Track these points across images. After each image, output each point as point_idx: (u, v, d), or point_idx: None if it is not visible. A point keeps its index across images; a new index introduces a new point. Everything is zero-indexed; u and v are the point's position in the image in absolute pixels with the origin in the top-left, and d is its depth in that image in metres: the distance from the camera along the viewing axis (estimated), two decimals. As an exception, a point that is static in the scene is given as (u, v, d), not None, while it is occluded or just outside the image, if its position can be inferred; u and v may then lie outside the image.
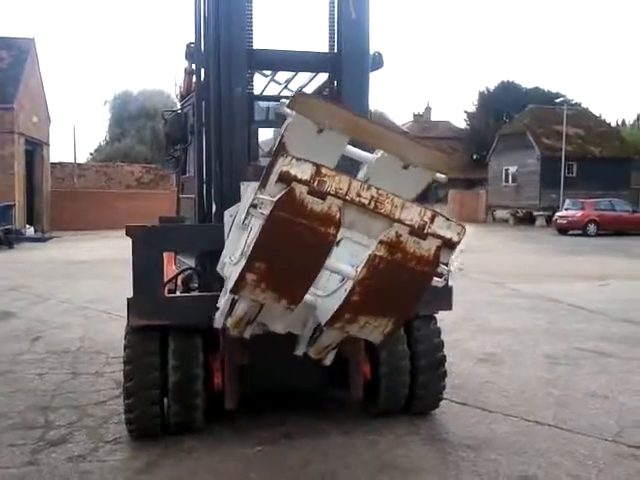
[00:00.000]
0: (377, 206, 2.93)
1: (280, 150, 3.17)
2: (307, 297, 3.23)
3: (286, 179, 2.80)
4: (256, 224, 3.02)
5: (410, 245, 2.93)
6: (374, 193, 2.93)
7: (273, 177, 2.86)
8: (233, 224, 3.72)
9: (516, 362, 6.52)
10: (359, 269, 2.98)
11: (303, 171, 2.83)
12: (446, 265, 3.05)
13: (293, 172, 2.81)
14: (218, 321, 3.71)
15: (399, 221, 2.93)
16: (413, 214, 2.94)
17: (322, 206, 2.86)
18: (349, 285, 3.02)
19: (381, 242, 2.92)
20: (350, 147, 3.62)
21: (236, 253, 3.35)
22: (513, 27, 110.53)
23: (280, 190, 2.83)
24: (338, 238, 3.00)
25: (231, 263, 3.43)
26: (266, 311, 3.40)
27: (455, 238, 2.98)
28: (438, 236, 2.95)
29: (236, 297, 3.32)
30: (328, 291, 3.30)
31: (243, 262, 3.03)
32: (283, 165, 2.82)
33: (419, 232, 2.93)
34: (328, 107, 3.44)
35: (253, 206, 2.91)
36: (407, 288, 3.06)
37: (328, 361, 3.69)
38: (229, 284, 3.29)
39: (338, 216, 2.89)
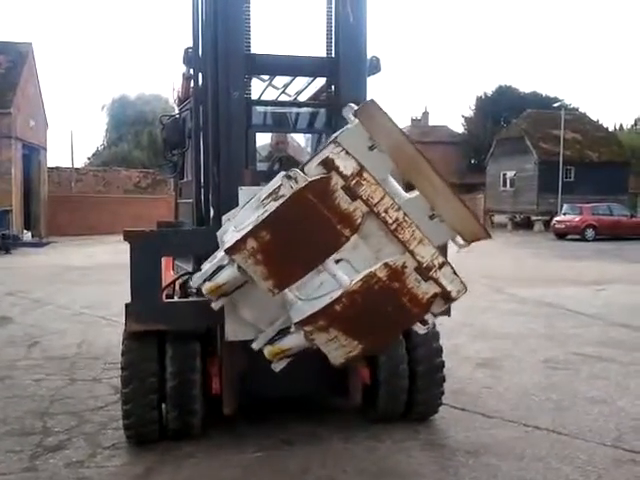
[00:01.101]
0: (397, 230, 2.95)
1: (335, 140, 3.09)
2: (289, 294, 3.20)
3: (328, 166, 2.83)
4: (274, 205, 3.02)
5: (411, 280, 2.94)
6: (400, 217, 2.95)
7: (317, 159, 2.89)
8: (248, 202, 3.58)
9: (515, 367, 6.52)
10: (354, 281, 2.98)
11: (346, 166, 2.87)
12: (434, 316, 3.04)
13: (337, 162, 2.84)
14: (195, 281, 3.56)
15: (411, 253, 2.94)
16: (427, 253, 2.96)
17: (349, 206, 2.89)
18: (336, 294, 3.02)
19: (386, 265, 2.92)
20: (391, 177, 3.46)
21: (244, 223, 3.26)
22: (511, 32, 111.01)
23: (318, 173, 2.86)
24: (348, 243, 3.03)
25: (235, 230, 3.37)
26: (245, 291, 3.37)
27: (454, 294, 3.00)
28: (440, 284, 2.96)
29: (225, 262, 3.26)
30: (310, 297, 3.26)
31: (250, 228, 3.01)
32: (331, 152, 2.85)
33: (424, 272, 2.94)
34: (391, 127, 3.25)
35: (287, 177, 2.91)
36: (389, 320, 3.04)
37: (278, 367, 3.56)
38: (225, 246, 3.23)
39: (359, 222, 2.91)
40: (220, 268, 3.34)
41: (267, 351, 3.52)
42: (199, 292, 4.44)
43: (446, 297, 2.99)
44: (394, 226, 2.95)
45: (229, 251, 3.10)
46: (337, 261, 3.13)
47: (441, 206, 3.26)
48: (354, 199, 2.90)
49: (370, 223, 2.96)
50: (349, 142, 3.09)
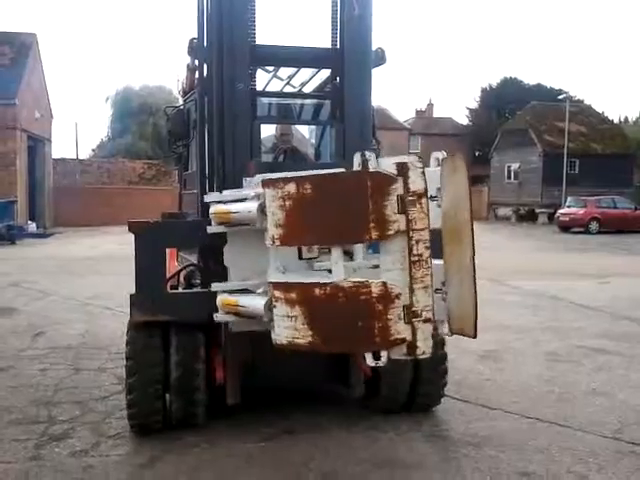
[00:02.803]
0: (415, 264, 2.96)
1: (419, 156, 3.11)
2: (276, 260, 3.33)
3: (401, 170, 2.91)
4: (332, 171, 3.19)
5: (394, 313, 2.94)
6: (425, 256, 2.96)
7: (397, 158, 2.95)
8: None
9: (517, 359, 6.53)
10: (346, 280, 2.99)
11: (415, 182, 2.93)
12: (388, 358, 3.00)
13: (410, 173, 2.92)
14: (210, 198, 3.76)
15: (412, 291, 2.95)
16: (423, 301, 2.96)
17: (392, 214, 2.91)
18: (325, 280, 3.07)
19: (384, 284, 2.94)
20: None
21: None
22: (516, 23, 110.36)
23: (394, 169, 2.91)
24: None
25: None
26: (239, 240, 3.55)
27: (419, 351, 2.98)
28: (414, 334, 2.95)
29: (250, 195, 3.40)
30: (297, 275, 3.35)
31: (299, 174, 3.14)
32: (411, 162, 2.92)
33: (410, 314, 2.94)
34: (463, 188, 3.19)
35: (362, 155, 2.97)
36: (351, 333, 3.03)
37: (218, 318, 3.76)
38: (264, 177, 3.33)
39: (390, 233, 2.92)
40: (240, 200, 3.44)
41: (221, 298, 3.65)
42: (202, 283, 4.48)
43: (410, 350, 2.96)
44: (415, 259, 2.95)
45: (266, 183, 3.15)
46: (346, 252, 3.15)
47: (454, 286, 3.19)
48: (400, 212, 2.91)
49: (397, 241, 2.96)
50: (429, 177, 3.08)
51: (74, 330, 7.69)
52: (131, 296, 4.12)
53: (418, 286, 2.96)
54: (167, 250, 4.64)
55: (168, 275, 4.58)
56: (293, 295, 3.10)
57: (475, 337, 3.15)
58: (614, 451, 4.20)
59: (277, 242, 3.17)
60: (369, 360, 3.02)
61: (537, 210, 34.90)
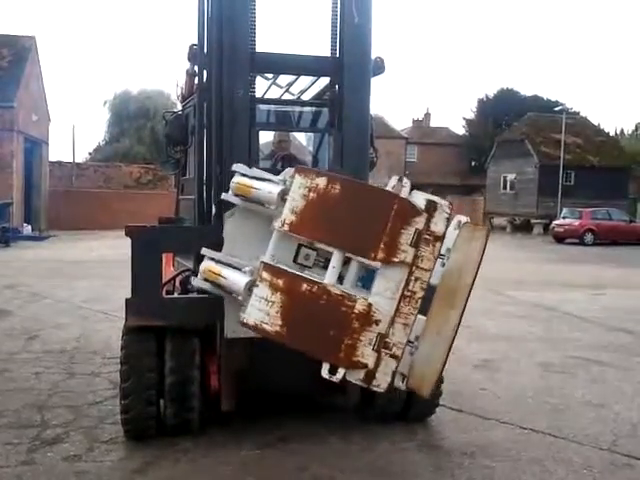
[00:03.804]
0: (406, 300, 2.99)
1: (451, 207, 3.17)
2: (275, 249, 3.39)
3: (428, 208, 2.98)
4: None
5: (367, 336, 2.95)
6: (417, 295, 2.99)
7: (430, 196, 3.03)
8: None
9: (512, 370, 6.53)
10: (335, 286, 3.00)
11: (437, 224, 3.00)
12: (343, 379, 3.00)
13: (435, 214, 2.99)
14: (234, 181, 3.84)
15: (392, 323, 2.96)
16: (399, 337, 2.99)
17: (404, 245, 2.95)
18: (315, 278, 3.11)
19: (369, 305, 2.95)
20: None
21: None
22: (513, 35, 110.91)
23: (423, 204, 2.99)
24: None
25: None
26: (257, 221, 3.65)
27: (373, 383, 2.99)
28: (376, 365, 2.96)
29: (277, 179, 3.47)
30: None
31: (335, 176, 3.22)
32: (441, 205, 3.02)
33: (380, 344, 2.95)
34: (477, 256, 3.25)
35: (400, 179, 3.05)
36: (318, 338, 3.03)
37: (195, 283, 3.85)
38: (295, 167, 3.42)
39: (395, 260, 2.95)
40: (265, 180, 3.54)
41: (206, 264, 3.71)
42: (199, 290, 4.47)
43: (367, 378, 2.96)
44: (408, 294, 2.98)
45: (299, 170, 3.23)
46: (347, 259, 3.17)
47: (427, 346, 3.18)
48: (412, 245, 2.94)
49: (398, 270, 2.98)
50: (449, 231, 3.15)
51: (68, 334, 7.65)
52: (127, 300, 4.11)
53: (400, 321, 2.97)
54: (163, 255, 4.63)
55: (164, 280, 4.57)
56: (279, 282, 3.11)
57: (427, 397, 3.15)
58: (609, 463, 4.20)
59: (286, 227, 3.19)
60: (324, 371, 3.01)
61: (532, 221, 34.97)
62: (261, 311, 3.14)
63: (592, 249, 25.15)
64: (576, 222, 28.27)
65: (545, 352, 7.31)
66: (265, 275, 3.18)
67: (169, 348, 4.22)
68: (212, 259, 3.82)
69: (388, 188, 3.06)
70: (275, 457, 4.18)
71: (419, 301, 3.01)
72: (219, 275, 3.69)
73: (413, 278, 2.98)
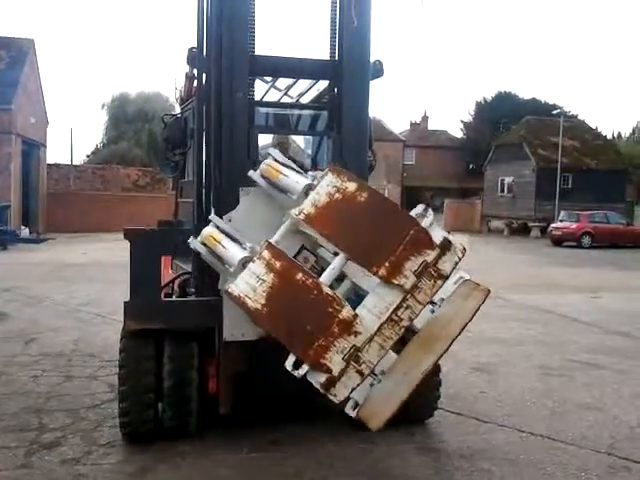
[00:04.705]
0: (389, 322, 2.99)
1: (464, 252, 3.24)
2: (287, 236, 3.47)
3: (443, 245, 3.04)
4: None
5: (340, 343, 2.95)
6: (404, 323, 3.00)
7: (451, 234, 3.10)
8: None
9: (510, 373, 6.54)
10: (328, 287, 3.04)
11: (447, 262, 3.03)
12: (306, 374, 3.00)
13: (448, 253, 3.04)
14: (258, 170, 3.89)
15: (369, 340, 2.96)
16: (371, 356, 2.98)
17: (409, 270, 2.98)
18: (312, 272, 3.12)
19: (355, 315, 2.97)
20: None
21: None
22: (511, 38, 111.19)
23: (439, 240, 3.04)
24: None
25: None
26: (274, 208, 3.72)
27: (332, 391, 2.99)
28: (340, 375, 2.96)
29: (305, 182, 3.48)
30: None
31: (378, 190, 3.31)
32: (459, 246, 3.07)
33: (351, 356, 2.95)
34: (471, 312, 3.31)
35: (426, 207, 3.14)
36: (292, 327, 3.03)
37: (196, 244, 3.84)
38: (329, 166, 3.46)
39: (395, 282, 2.97)
40: (295, 171, 3.63)
41: (209, 230, 3.73)
42: (197, 292, 4.47)
43: (327, 384, 2.95)
44: (395, 318, 3.00)
45: (333, 169, 3.26)
46: (342, 277, 3.18)
47: (390, 382, 3.20)
48: (415, 275, 2.96)
49: (393, 293, 3.00)
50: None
51: (66, 337, 7.64)
52: (125, 303, 4.10)
53: (378, 341, 2.97)
54: (162, 258, 4.63)
55: (163, 283, 4.57)
56: (277, 264, 3.11)
57: (375, 430, 3.15)
58: (607, 466, 4.21)
59: (302, 216, 3.21)
60: (288, 363, 3.00)
61: (530, 224, 34.99)
62: (249, 285, 3.13)
63: (589, 252, 25.18)
64: (573, 225, 28.29)
65: (543, 355, 7.31)
66: (265, 254, 3.18)
67: (167, 351, 4.22)
68: (217, 227, 3.80)
69: (412, 214, 3.09)
70: (272, 460, 4.17)
71: (402, 330, 3.02)
72: (219, 243, 3.67)
73: (405, 305, 2.99)
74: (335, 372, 2.94)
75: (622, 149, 42.02)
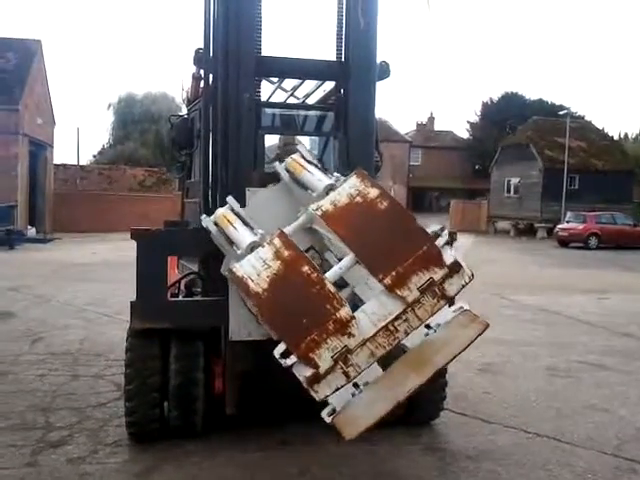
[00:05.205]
0: (384, 331, 2.98)
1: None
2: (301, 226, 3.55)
3: (452, 267, 3.05)
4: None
5: (332, 341, 2.94)
6: (395, 336, 2.99)
7: (461, 261, 3.09)
8: None
9: (516, 373, 6.53)
10: (333, 285, 3.04)
11: (453, 284, 3.06)
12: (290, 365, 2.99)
13: (456, 276, 3.05)
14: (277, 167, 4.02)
15: (361, 344, 2.95)
16: (359, 361, 2.97)
17: (415, 283, 2.99)
18: (317, 268, 3.12)
19: (352, 317, 2.96)
20: None
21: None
22: (518, 38, 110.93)
23: (450, 262, 3.05)
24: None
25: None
26: (292, 201, 3.82)
27: (314, 388, 2.97)
28: (326, 373, 2.94)
29: (328, 181, 3.49)
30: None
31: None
32: (467, 271, 3.11)
33: (341, 356, 2.93)
34: (466, 342, 3.29)
35: (441, 229, 3.16)
36: (288, 317, 3.02)
37: (207, 221, 3.87)
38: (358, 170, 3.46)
39: (397, 293, 2.98)
40: (320, 170, 3.68)
41: (223, 210, 3.80)
42: (204, 291, 4.47)
43: (311, 380, 2.93)
44: (391, 328, 2.99)
45: (359, 174, 3.28)
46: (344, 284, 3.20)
47: (372, 393, 3.18)
48: (420, 291, 2.97)
49: (394, 303, 3.00)
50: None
51: (72, 336, 7.67)
52: (132, 303, 4.12)
53: (370, 347, 2.96)
54: (168, 258, 4.64)
55: (169, 283, 4.58)
56: (286, 253, 3.11)
57: (347, 440, 3.11)
58: (613, 468, 4.20)
59: (319, 212, 3.22)
60: (277, 351, 2.99)
61: (536, 225, 34.91)
62: (254, 268, 3.13)
63: (596, 253, 25.10)
64: (580, 226, 28.21)
65: (549, 356, 7.29)
66: (276, 241, 3.18)
67: (174, 351, 4.23)
68: (232, 209, 3.83)
69: (429, 230, 3.12)
70: (277, 460, 4.18)
71: (396, 341, 3.01)
72: (231, 224, 3.67)
73: (403, 318, 2.99)
74: (322, 369, 2.93)
75: (629, 150, 41.85)
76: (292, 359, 2.95)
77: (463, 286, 3.06)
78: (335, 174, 3.69)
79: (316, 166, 3.82)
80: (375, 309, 3.03)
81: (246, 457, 4.20)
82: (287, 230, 3.38)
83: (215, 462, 4.11)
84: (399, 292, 2.97)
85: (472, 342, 3.23)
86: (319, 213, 3.23)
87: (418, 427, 4.74)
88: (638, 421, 5.12)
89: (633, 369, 6.81)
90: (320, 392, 2.96)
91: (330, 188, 3.40)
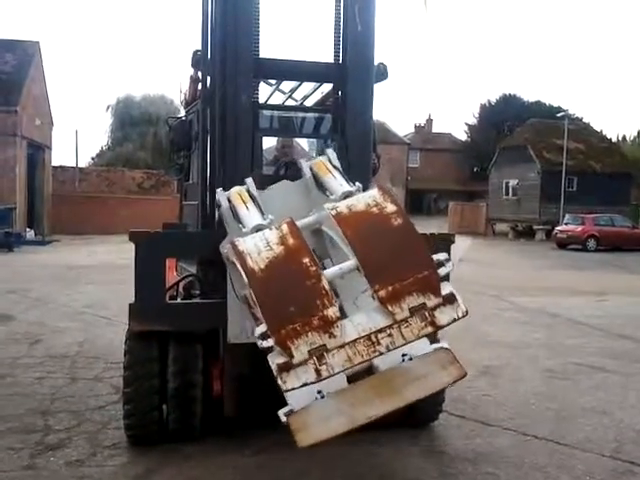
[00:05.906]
0: (366, 341, 2.97)
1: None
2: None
3: (448, 299, 3.05)
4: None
5: (314, 335, 2.92)
6: (376, 349, 2.97)
7: (456, 293, 3.08)
8: None
9: (515, 376, 6.52)
10: (329, 282, 3.05)
11: (443, 320, 3.03)
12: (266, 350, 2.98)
13: (449, 306, 3.05)
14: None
15: (340, 347, 2.94)
16: (334, 363, 2.94)
17: (407, 303, 2.99)
18: (317, 261, 3.13)
19: (338, 317, 2.95)
20: None
21: None
22: (516, 40, 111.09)
23: (446, 293, 3.06)
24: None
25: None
26: (307, 197, 3.92)
27: (282, 378, 2.94)
28: (298, 365, 2.91)
29: (349, 187, 3.58)
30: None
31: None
32: (462, 308, 3.08)
33: (318, 351, 2.91)
34: (442, 379, 3.32)
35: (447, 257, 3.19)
36: (279, 301, 2.99)
37: (221, 195, 3.94)
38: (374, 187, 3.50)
39: (388, 308, 2.97)
40: (343, 177, 3.75)
41: (237, 188, 3.88)
42: (202, 294, 4.47)
43: (281, 368, 2.90)
44: (372, 340, 2.97)
45: (380, 187, 3.32)
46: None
47: (335, 405, 3.17)
48: (410, 313, 2.97)
49: (382, 317, 3.00)
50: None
51: (71, 338, 7.66)
52: (130, 305, 4.11)
53: (348, 352, 2.94)
54: (167, 260, 4.64)
55: (167, 285, 4.58)
56: (291, 240, 3.11)
57: (300, 446, 3.07)
58: (611, 470, 4.19)
59: (333, 212, 3.23)
60: (257, 330, 2.97)
61: (535, 227, 34.95)
62: (256, 247, 3.12)
63: (595, 255, 25.12)
64: (579, 228, 28.24)
65: (548, 358, 7.29)
66: (284, 227, 3.19)
67: (172, 353, 4.23)
68: (248, 190, 3.87)
69: (435, 258, 3.12)
70: (276, 462, 4.17)
71: (375, 354, 2.99)
72: (244, 204, 3.70)
73: (387, 333, 2.98)
74: (295, 360, 2.91)
75: (627, 152, 41.93)
76: (269, 342, 2.93)
77: (454, 320, 3.04)
78: (357, 183, 3.72)
79: (340, 172, 3.87)
80: (362, 318, 3.03)
81: (246, 459, 4.19)
82: (297, 222, 3.39)
83: (214, 464, 4.11)
84: (390, 307, 2.97)
85: (446, 387, 3.20)
86: (333, 213, 3.23)
87: (417, 430, 4.74)
88: (636, 423, 5.12)
89: (632, 371, 6.81)
90: (288, 382, 2.93)
91: (349, 194, 3.44)
